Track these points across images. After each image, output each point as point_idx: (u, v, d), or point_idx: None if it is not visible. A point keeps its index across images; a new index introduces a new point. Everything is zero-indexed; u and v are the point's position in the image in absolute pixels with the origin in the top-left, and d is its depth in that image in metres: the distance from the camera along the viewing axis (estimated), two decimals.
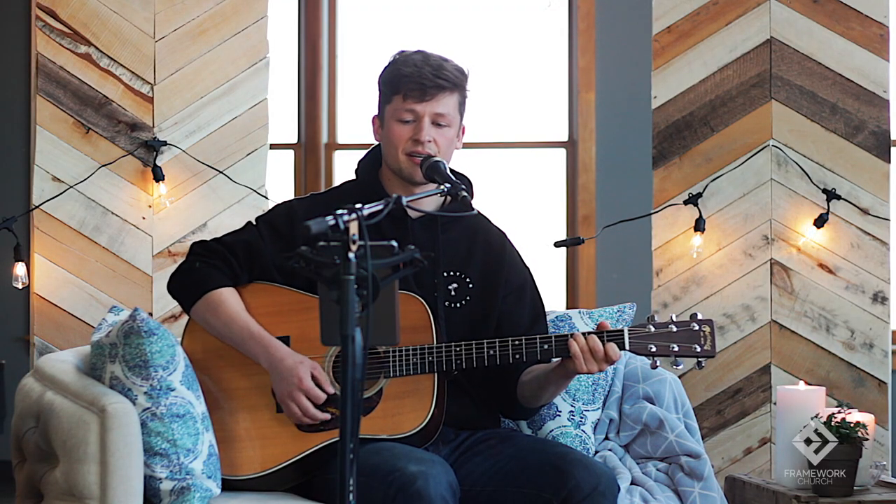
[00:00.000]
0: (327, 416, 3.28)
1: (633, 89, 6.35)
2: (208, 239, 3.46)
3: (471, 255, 3.45)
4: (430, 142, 3.35)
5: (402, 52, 3.44)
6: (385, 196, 3.35)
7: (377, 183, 3.45)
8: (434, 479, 3.07)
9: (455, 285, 3.42)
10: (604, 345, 3.22)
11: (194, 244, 3.45)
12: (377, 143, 3.47)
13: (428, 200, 3.37)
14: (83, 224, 4.48)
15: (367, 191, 3.38)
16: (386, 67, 3.43)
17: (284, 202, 3.52)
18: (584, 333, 3.23)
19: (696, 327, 3.26)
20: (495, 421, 3.51)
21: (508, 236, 3.55)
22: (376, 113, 3.47)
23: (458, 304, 3.41)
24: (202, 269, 3.39)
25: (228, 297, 3.37)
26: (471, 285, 3.43)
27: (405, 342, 3.25)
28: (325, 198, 3.48)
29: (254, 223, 3.47)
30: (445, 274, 3.42)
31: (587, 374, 3.27)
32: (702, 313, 3.31)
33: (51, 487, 3.27)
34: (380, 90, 3.44)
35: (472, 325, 3.40)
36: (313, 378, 3.28)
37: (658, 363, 3.28)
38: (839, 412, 3.96)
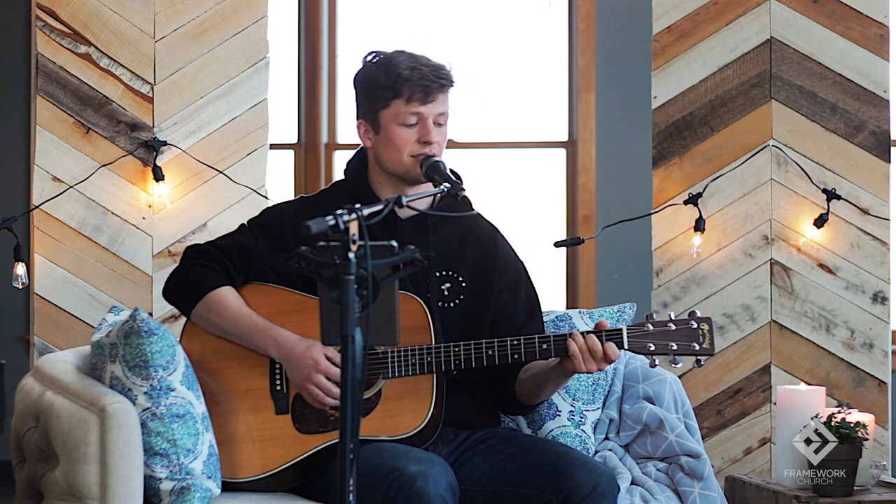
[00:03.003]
0: None
1: (633, 89, 6.35)
2: (202, 243, 3.45)
3: (462, 253, 3.45)
4: (435, 143, 3.36)
5: (379, 53, 3.40)
6: (374, 198, 3.36)
7: (366, 185, 3.44)
8: (434, 479, 3.07)
9: (448, 285, 3.41)
10: (602, 344, 3.22)
11: (188, 248, 3.44)
12: (368, 147, 3.42)
13: (420, 200, 3.35)
14: (83, 224, 4.48)
15: (357, 193, 3.37)
16: (370, 71, 3.37)
17: (274, 205, 3.52)
18: (582, 333, 3.23)
19: (695, 325, 3.26)
20: (495, 420, 3.51)
21: (500, 231, 3.53)
22: (361, 119, 3.41)
23: (452, 304, 3.40)
24: (198, 271, 3.38)
25: (229, 295, 3.36)
26: (464, 284, 3.42)
27: (403, 343, 3.25)
28: (314, 200, 3.46)
29: (246, 225, 3.46)
30: (438, 274, 3.41)
31: (586, 373, 3.27)
32: (701, 313, 3.31)
33: (51, 487, 3.27)
34: (368, 94, 3.37)
35: (467, 324, 3.39)
36: (327, 358, 3.27)
37: (657, 362, 3.28)
38: (839, 412, 3.96)
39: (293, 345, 3.29)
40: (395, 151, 3.36)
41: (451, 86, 3.37)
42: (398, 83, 3.33)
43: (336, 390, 3.25)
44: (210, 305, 3.36)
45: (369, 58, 3.40)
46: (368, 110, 3.39)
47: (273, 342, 3.30)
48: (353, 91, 3.44)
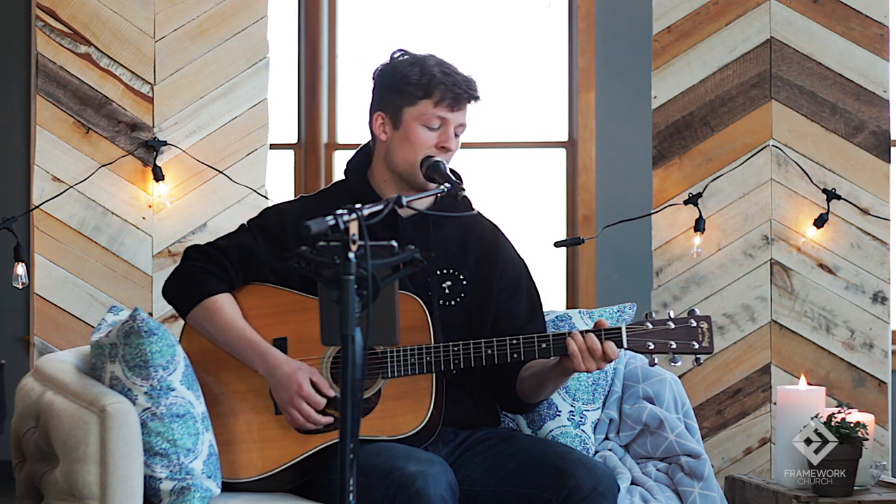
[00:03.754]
0: (330, 419, 3.28)
1: (633, 89, 6.35)
2: (202, 243, 3.45)
3: (464, 251, 3.45)
4: (452, 150, 3.37)
5: (407, 52, 3.41)
6: (374, 197, 3.36)
7: (366, 184, 3.43)
8: (433, 478, 3.07)
9: (449, 283, 3.41)
10: (601, 343, 3.22)
11: (188, 249, 3.44)
12: (382, 141, 3.42)
13: (420, 199, 3.36)
14: (83, 224, 4.48)
15: (357, 193, 3.37)
16: (403, 67, 3.36)
17: (275, 205, 3.52)
18: (582, 332, 3.23)
19: (694, 324, 3.26)
20: (495, 419, 3.51)
21: (501, 229, 3.54)
22: (380, 110, 3.40)
23: (453, 302, 3.40)
24: (197, 274, 3.38)
25: (224, 303, 3.36)
26: (465, 282, 3.42)
27: (403, 343, 3.25)
28: (315, 200, 3.47)
29: (246, 225, 3.46)
30: (439, 272, 3.41)
31: (585, 372, 3.27)
32: (701, 312, 3.30)
33: (51, 487, 3.27)
34: (398, 90, 3.36)
35: (468, 322, 3.40)
36: (312, 384, 3.28)
37: (656, 361, 3.28)
38: (839, 412, 3.96)
39: (280, 365, 3.29)
40: (411, 151, 3.36)
41: (478, 101, 3.39)
42: (431, 84, 3.33)
43: (316, 416, 3.26)
44: (206, 311, 3.36)
45: (397, 55, 3.41)
46: (392, 104, 3.38)
47: (261, 359, 3.31)
48: (373, 84, 3.44)
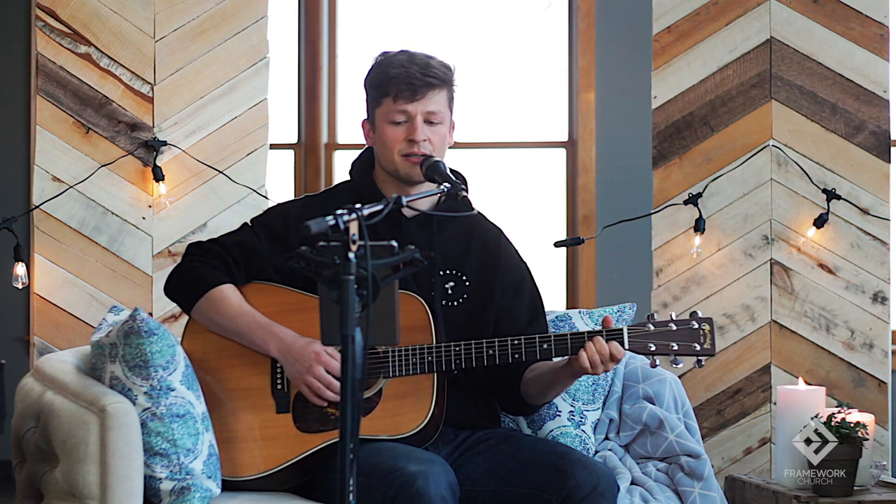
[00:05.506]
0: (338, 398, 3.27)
1: (633, 89, 6.35)
2: (204, 240, 3.46)
3: (467, 253, 3.45)
4: (424, 141, 3.36)
5: (385, 53, 3.43)
6: (379, 197, 3.36)
7: (371, 184, 3.45)
8: (434, 478, 3.07)
9: (452, 284, 3.42)
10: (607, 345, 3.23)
11: (190, 245, 3.45)
12: (370, 146, 3.47)
13: (423, 199, 3.37)
14: (83, 224, 4.48)
15: (362, 192, 3.38)
16: (371, 70, 3.43)
17: (279, 204, 3.53)
18: (585, 334, 3.23)
19: (696, 326, 3.26)
20: (495, 421, 3.51)
21: (505, 233, 3.55)
22: (365, 117, 3.46)
23: (456, 303, 3.41)
24: (200, 268, 3.39)
25: (230, 292, 3.37)
26: (468, 283, 3.43)
27: (404, 342, 3.25)
28: (319, 199, 3.48)
29: (249, 224, 3.47)
30: (442, 272, 3.42)
31: (594, 374, 3.29)
32: (702, 313, 3.31)
33: (51, 487, 3.27)
34: (367, 94, 3.44)
35: (470, 323, 3.40)
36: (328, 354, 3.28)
37: (657, 362, 3.28)
38: (839, 412, 3.96)
39: (293, 340, 3.29)
40: (387, 150, 3.39)
41: (441, 85, 3.37)
42: (385, 81, 3.37)
43: (336, 384, 3.25)
44: (212, 302, 3.36)
45: (376, 58, 3.43)
46: (368, 109, 3.44)
47: (274, 338, 3.31)
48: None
